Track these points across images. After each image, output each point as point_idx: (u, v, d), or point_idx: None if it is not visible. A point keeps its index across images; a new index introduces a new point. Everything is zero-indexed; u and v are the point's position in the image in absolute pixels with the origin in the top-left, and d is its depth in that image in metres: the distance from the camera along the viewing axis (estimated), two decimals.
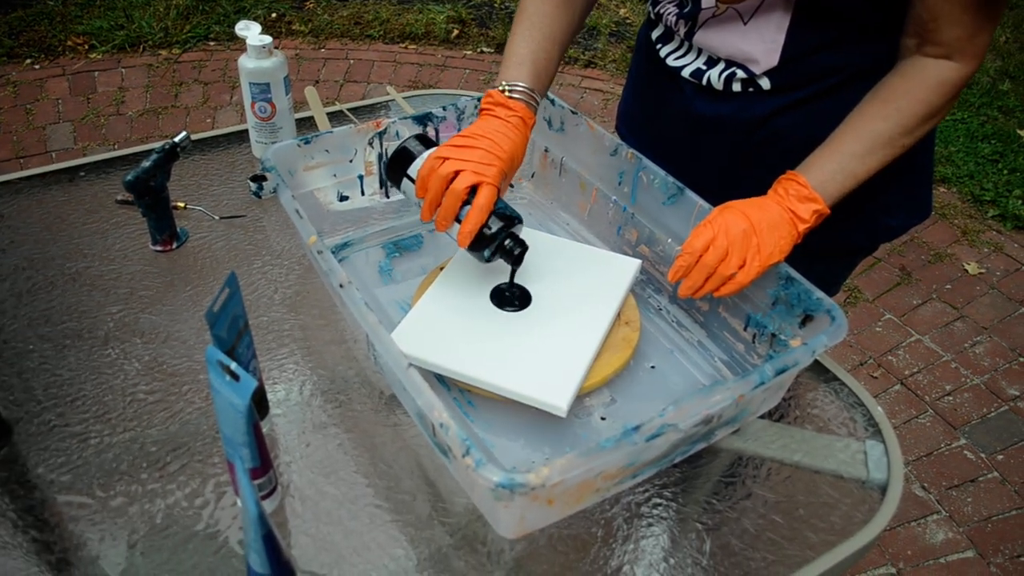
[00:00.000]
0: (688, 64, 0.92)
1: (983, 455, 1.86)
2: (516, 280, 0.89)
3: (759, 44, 0.84)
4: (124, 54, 3.06)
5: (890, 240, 0.98)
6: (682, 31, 0.90)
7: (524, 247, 0.85)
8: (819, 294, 0.77)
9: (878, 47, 0.83)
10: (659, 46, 0.96)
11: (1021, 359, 2.11)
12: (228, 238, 1.04)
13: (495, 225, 0.81)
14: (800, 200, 0.79)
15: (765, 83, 0.87)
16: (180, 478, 0.75)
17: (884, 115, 0.79)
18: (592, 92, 3.09)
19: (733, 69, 0.88)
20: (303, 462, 0.77)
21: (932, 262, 2.42)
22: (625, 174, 0.96)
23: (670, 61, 0.94)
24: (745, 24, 0.84)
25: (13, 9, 3.20)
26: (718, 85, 0.89)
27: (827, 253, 0.97)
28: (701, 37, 0.88)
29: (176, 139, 0.97)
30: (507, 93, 0.85)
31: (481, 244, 0.82)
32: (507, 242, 0.83)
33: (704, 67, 0.90)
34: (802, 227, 0.79)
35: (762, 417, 0.85)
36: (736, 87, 0.89)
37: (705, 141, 0.95)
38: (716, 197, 0.86)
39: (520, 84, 0.86)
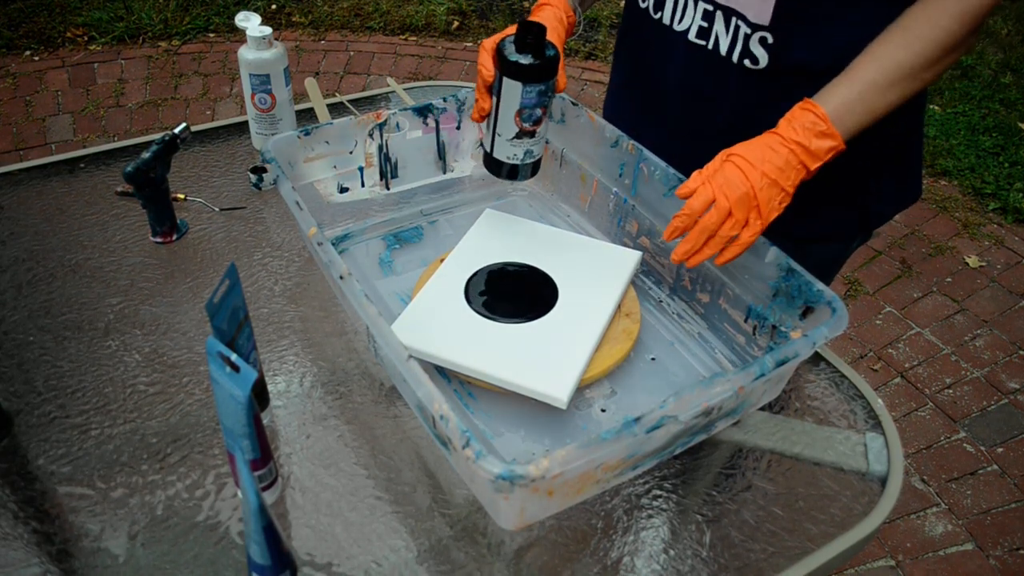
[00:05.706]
0: (690, 25, 0.90)
1: (983, 448, 1.87)
2: (527, 289, 0.89)
3: None
4: (124, 46, 3.05)
5: (881, 224, 0.99)
6: None
7: (546, 50, 0.84)
8: (820, 286, 0.77)
9: (880, 15, 0.81)
10: (657, 15, 0.94)
11: (1021, 352, 2.11)
12: (228, 230, 1.04)
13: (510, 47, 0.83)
14: (817, 136, 0.75)
15: (762, 57, 0.86)
16: (180, 469, 0.75)
17: (906, 43, 0.76)
18: (593, 84, 3.08)
19: (734, 20, 0.86)
20: (303, 454, 0.77)
21: (933, 255, 2.42)
22: (626, 166, 0.95)
23: (675, 26, 0.92)
24: None
25: (12, 1, 3.19)
26: (724, 45, 0.88)
27: (818, 240, 0.97)
28: None
29: (176, 130, 0.97)
30: None
31: (503, 63, 0.84)
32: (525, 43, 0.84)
33: (704, 23, 0.89)
34: (814, 165, 0.75)
35: (762, 409, 0.85)
36: (735, 57, 0.87)
37: (700, 111, 0.95)
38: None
39: None
